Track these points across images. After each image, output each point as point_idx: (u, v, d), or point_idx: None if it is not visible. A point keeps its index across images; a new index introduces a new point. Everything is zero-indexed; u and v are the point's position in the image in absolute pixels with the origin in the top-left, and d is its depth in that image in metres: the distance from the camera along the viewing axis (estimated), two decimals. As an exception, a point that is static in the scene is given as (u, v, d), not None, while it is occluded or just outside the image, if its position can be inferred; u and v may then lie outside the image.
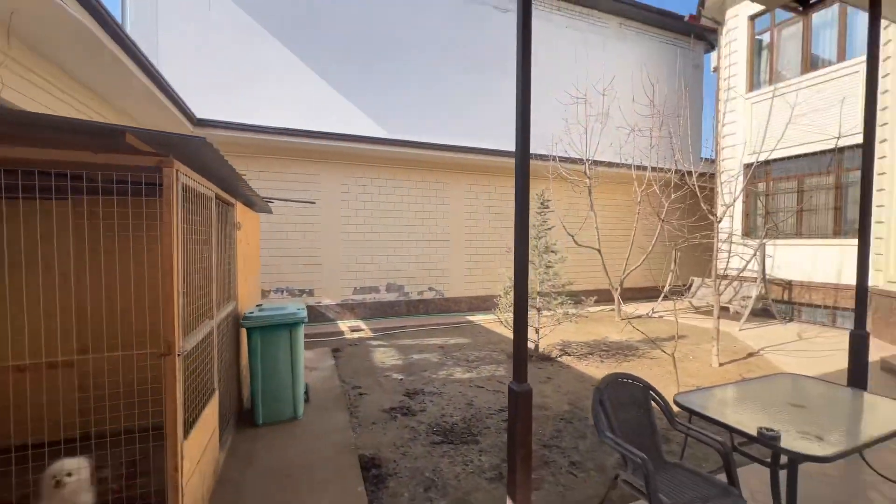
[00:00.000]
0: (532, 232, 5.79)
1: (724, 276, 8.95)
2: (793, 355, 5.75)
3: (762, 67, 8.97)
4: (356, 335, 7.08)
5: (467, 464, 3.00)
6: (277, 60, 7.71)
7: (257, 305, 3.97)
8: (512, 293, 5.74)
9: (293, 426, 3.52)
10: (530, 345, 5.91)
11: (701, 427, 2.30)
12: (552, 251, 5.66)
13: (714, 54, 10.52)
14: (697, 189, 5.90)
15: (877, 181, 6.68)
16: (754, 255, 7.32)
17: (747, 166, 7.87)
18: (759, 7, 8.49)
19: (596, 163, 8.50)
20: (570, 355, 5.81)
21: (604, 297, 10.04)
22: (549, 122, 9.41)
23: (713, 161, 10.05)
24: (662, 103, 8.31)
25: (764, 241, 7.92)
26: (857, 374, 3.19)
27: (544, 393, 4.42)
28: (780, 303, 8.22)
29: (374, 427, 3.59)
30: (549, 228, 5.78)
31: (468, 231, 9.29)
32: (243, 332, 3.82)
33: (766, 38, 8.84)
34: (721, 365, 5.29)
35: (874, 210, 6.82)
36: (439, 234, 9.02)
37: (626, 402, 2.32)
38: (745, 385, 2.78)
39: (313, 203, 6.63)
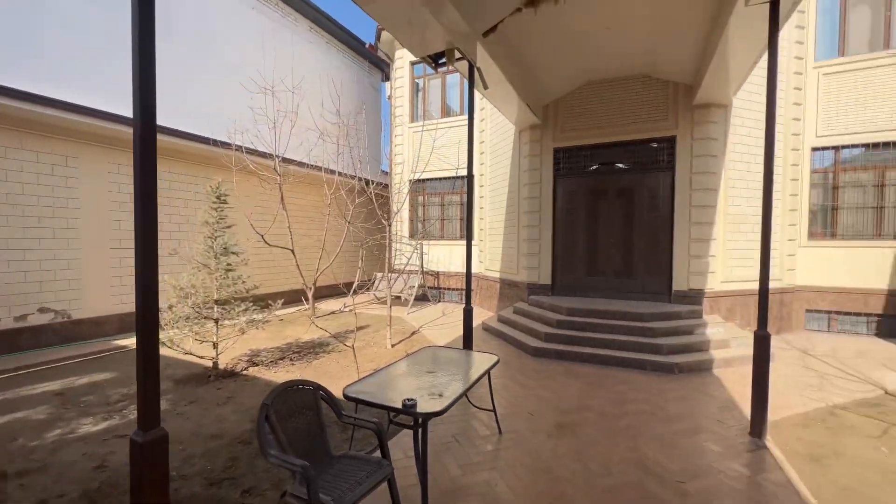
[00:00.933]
0: (206, 230, 4.92)
1: (396, 270, 10.79)
2: (439, 329, 7.60)
3: (419, 105, 11.41)
4: None
5: (82, 559, 2.12)
6: None
7: None
8: (183, 303, 4.68)
9: None
10: (208, 363, 5.03)
11: (370, 411, 2.54)
12: (233, 252, 5.00)
13: (388, 84, 12.52)
14: (374, 197, 6.75)
15: (477, 201, 9.87)
16: (414, 252, 9.24)
17: (410, 182, 9.83)
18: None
19: (286, 160, 8.27)
20: (258, 365, 5.34)
21: (300, 297, 9.97)
22: (234, 108, 8.41)
23: (387, 174, 11.95)
24: (347, 115, 9.07)
25: (421, 241, 10.11)
26: (467, 338, 4.50)
27: (222, 417, 3.82)
28: (433, 289, 10.77)
29: None
30: (229, 227, 5.08)
31: (119, 228, 6.94)
32: None
33: (421, 83, 11.31)
34: (394, 346, 6.29)
35: (476, 220, 10.02)
36: (61, 230, 6.26)
37: (297, 409, 2.25)
38: (402, 362, 3.34)
39: None
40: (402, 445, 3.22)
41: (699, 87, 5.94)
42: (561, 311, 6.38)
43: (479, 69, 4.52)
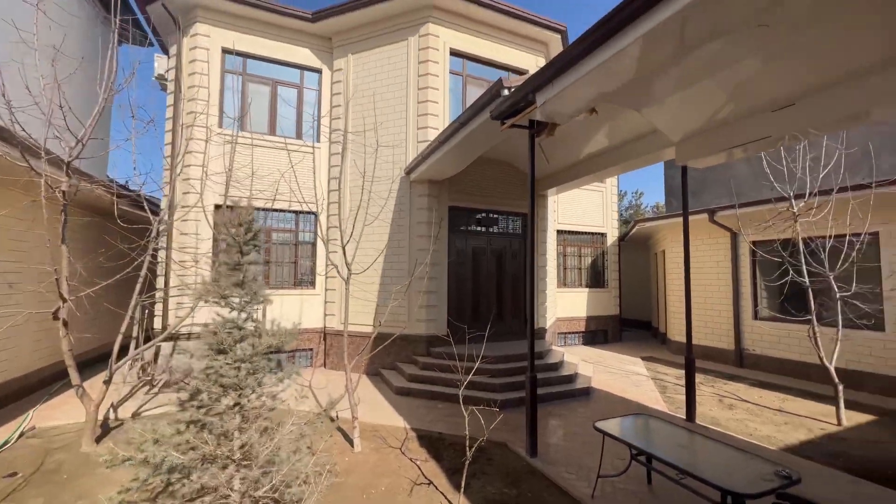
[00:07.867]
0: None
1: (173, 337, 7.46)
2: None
3: (229, 107, 8.51)
4: None
5: None
6: None
7: None
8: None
9: None
10: None
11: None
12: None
13: (167, 59, 8.51)
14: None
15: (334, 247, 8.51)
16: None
17: (222, 208, 7.22)
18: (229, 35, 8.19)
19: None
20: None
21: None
22: None
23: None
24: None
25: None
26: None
27: None
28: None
29: None
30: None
31: None
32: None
33: (236, 80, 8.53)
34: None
35: (322, 269, 8.63)
36: None
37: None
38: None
39: None
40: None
41: (545, 181, 8.46)
42: (488, 360, 6.88)
43: (541, 146, 4.74)
